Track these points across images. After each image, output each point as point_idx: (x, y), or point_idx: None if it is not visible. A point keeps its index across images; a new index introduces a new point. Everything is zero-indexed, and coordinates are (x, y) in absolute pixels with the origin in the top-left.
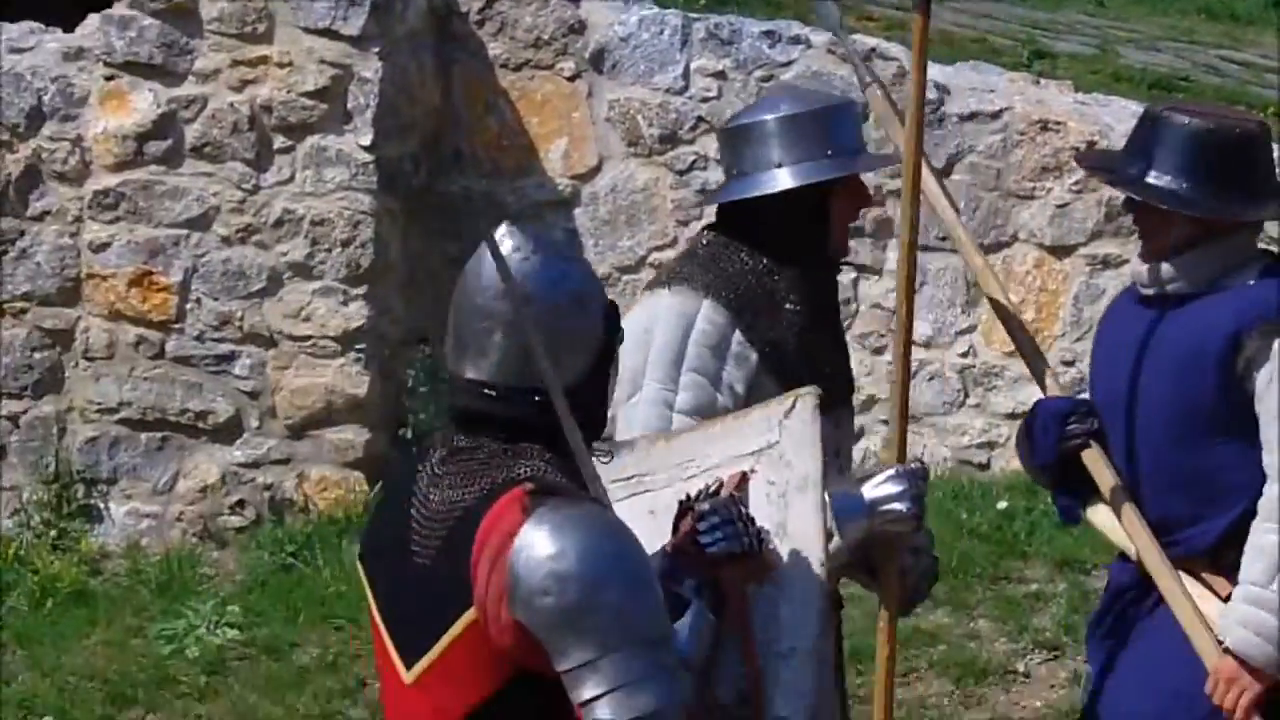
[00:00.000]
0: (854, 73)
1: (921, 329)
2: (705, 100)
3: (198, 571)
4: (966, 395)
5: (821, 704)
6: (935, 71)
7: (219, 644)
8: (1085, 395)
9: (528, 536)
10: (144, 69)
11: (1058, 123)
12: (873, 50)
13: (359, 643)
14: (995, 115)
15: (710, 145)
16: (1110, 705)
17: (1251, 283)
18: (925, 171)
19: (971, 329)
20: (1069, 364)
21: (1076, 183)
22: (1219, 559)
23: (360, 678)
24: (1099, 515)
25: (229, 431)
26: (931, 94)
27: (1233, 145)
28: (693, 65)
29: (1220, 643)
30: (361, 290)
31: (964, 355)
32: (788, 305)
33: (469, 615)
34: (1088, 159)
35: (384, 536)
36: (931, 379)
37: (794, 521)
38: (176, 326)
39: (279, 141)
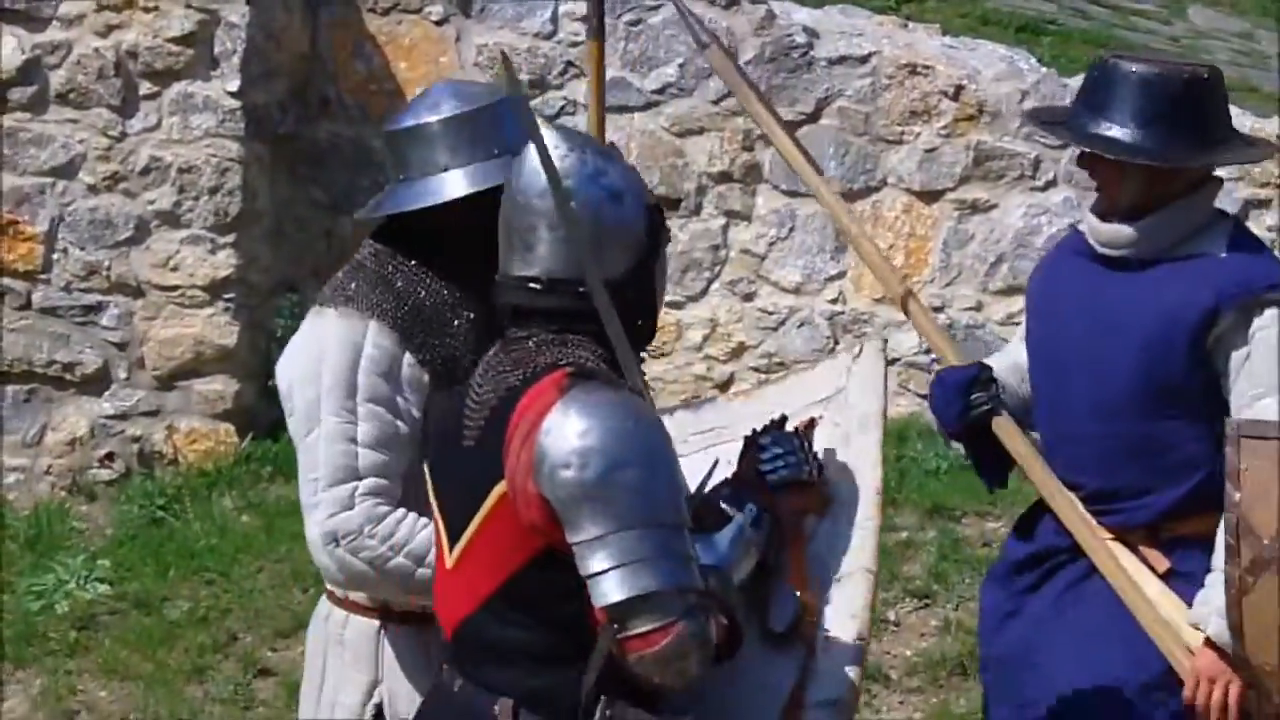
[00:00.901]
0: (723, 19)
1: (791, 276)
2: (574, 45)
3: (67, 526)
4: (836, 342)
5: (867, 621)
6: (804, 15)
7: (89, 599)
8: (990, 360)
9: (559, 414)
10: (7, 14)
11: (926, 66)
12: None
13: (230, 597)
14: (863, 59)
15: (580, 90)
16: (1041, 671)
17: (1224, 254)
18: (788, 141)
19: (841, 275)
20: (939, 309)
21: (945, 127)
22: (1158, 533)
23: (231, 632)
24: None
25: (97, 383)
26: (800, 38)
27: (1184, 92)
28: (561, 9)
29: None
30: (229, 239)
31: (833, 302)
32: (461, 319)
33: (499, 489)
34: (1038, 115)
35: (440, 433)
36: (801, 326)
37: (854, 457)
38: (43, 277)
39: (145, 88)
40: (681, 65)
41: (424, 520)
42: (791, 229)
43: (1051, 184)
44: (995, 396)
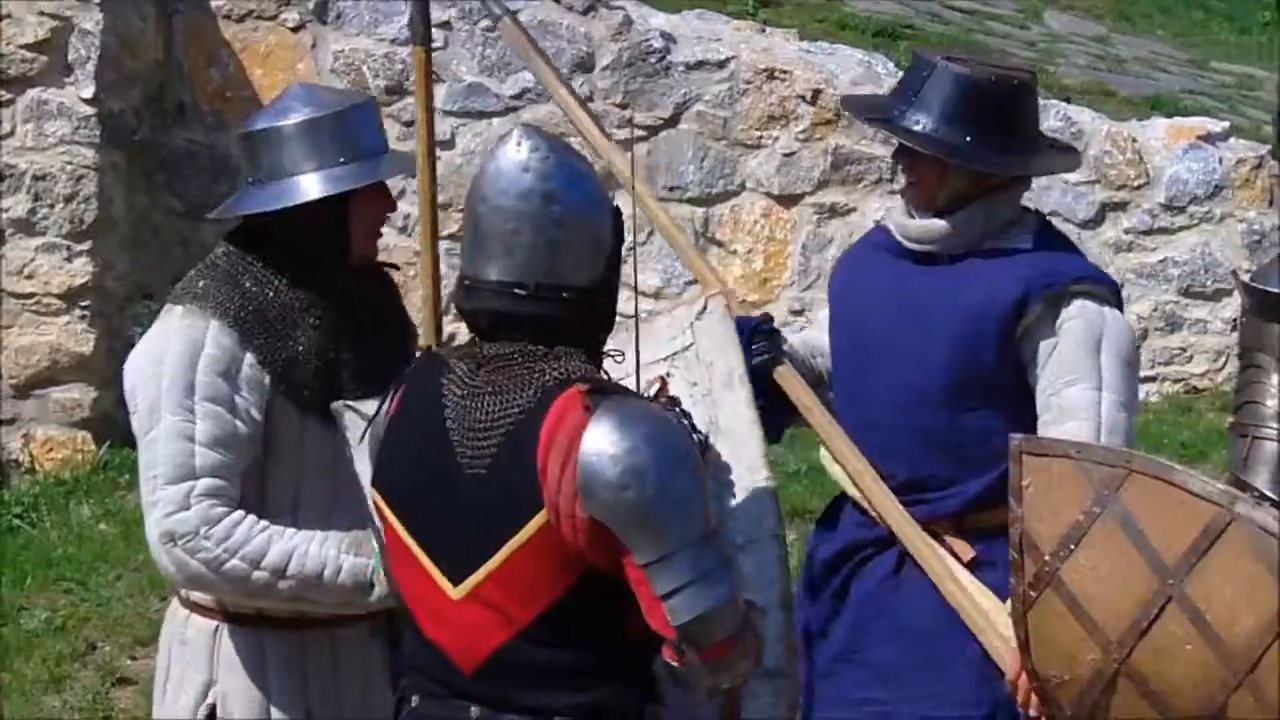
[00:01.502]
0: (580, 25)
1: (650, 279)
2: (432, 51)
3: None
4: None
5: (787, 587)
6: (661, 20)
7: None
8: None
9: (596, 433)
10: None
11: (784, 71)
12: None
13: (88, 605)
14: (721, 64)
15: (438, 96)
16: (871, 669)
17: (1031, 249)
18: (589, 123)
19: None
20: (797, 313)
21: (803, 131)
22: (964, 523)
23: (90, 641)
24: (837, 468)
25: None
26: (657, 43)
27: (1008, 97)
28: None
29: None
30: (85, 246)
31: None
32: (309, 318)
33: (539, 519)
34: (858, 107)
35: (408, 457)
36: None
37: (726, 418)
38: None
39: None
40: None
41: (262, 524)
42: (651, 232)
43: None
44: (777, 346)
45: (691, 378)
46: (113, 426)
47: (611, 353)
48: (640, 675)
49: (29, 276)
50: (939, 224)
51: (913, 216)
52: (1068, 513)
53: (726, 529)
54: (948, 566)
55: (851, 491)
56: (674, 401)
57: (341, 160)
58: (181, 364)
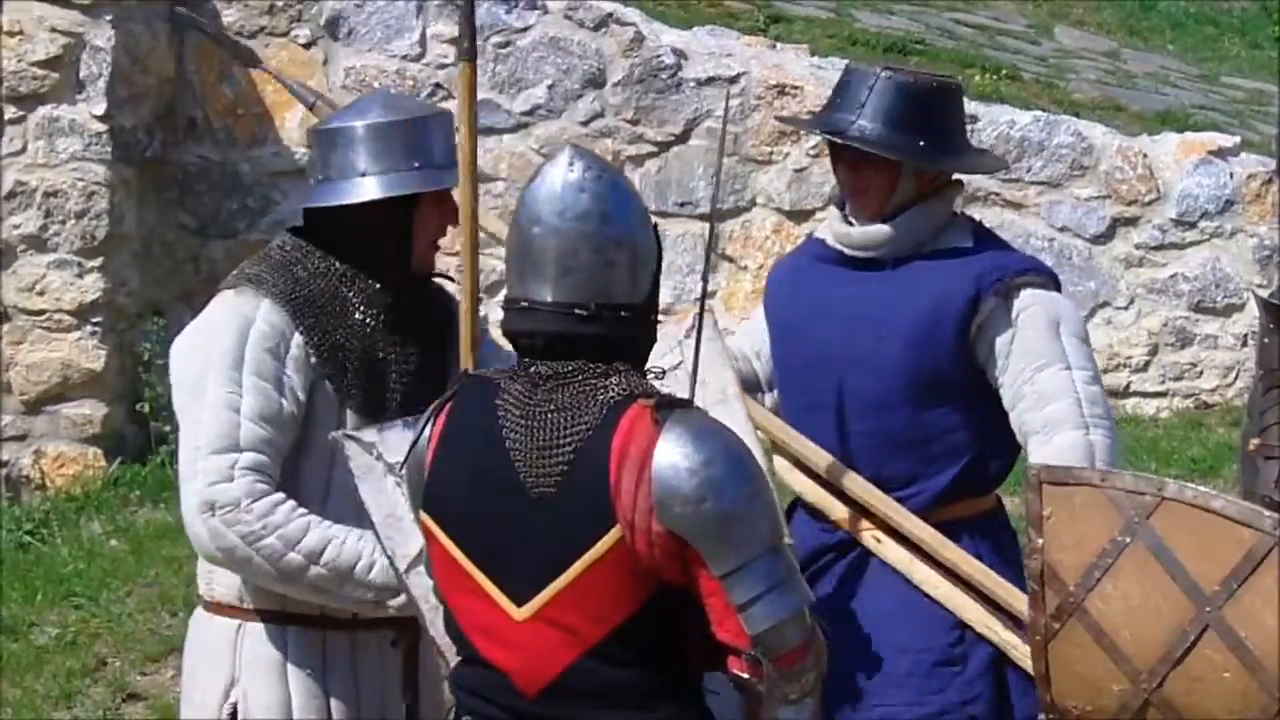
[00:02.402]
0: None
1: (661, 295)
2: (442, 67)
3: None
4: None
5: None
6: (673, 36)
7: None
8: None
9: (668, 447)
10: None
11: (795, 87)
12: (610, 15)
13: (99, 621)
14: (733, 80)
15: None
16: (834, 669)
17: (971, 246)
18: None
19: (711, 295)
20: None
21: (814, 147)
22: (928, 517)
23: (100, 656)
24: (794, 476)
25: None
26: (669, 59)
27: (947, 102)
28: (429, 31)
29: None
30: (97, 262)
31: None
32: (359, 314)
33: (612, 535)
34: (803, 122)
35: (466, 481)
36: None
37: None
38: None
39: (10, 112)
40: (550, 87)
41: (301, 508)
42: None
43: None
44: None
45: (683, 395)
46: (123, 443)
47: (653, 369)
48: (697, 696)
49: (40, 293)
50: (884, 229)
51: (851, 224)
52: (1093, 542)
53: None
54: (957, 551)
55: (811, 498)
56: None
57: (414, 166)
58: (231, 338)
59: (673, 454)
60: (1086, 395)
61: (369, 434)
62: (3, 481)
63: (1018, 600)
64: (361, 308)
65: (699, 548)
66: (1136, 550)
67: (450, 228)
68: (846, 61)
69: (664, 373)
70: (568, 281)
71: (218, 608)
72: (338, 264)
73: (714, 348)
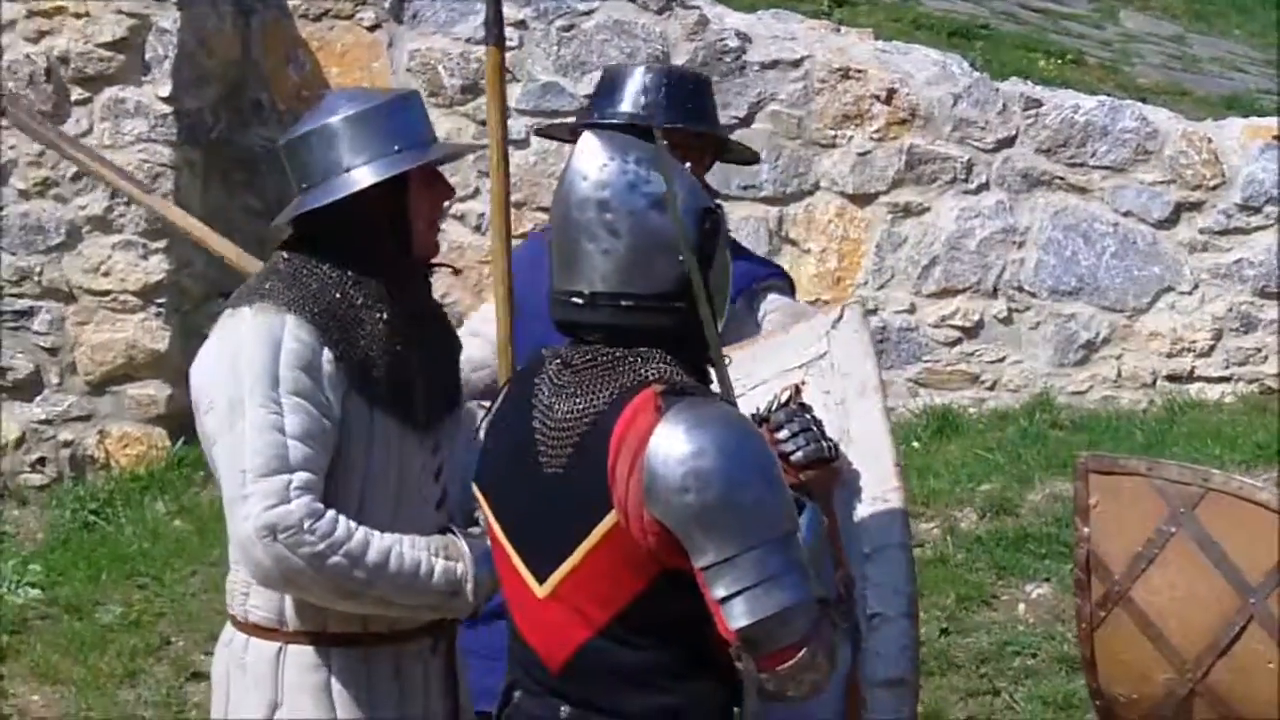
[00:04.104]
0: (655, 24)
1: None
2: (509, 50)
3: None
4: None
5: (914, 596)
6: (736, 20)
7: (20, 603)
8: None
9: (663, 435)
10: None
11: (858, 70)
12: None
13: (162, 601)
14: (796, 63)
15: (513, 96)
16: None
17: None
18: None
19: None
20: (871, 312)
21: (878, 131)
22: None
23: (164, 636)
24: None
25: (29, 388)
26: (733, 42)
27: (706, 88)
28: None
29: None
30: (161, 244)
31: None
32: (373, 316)
33: (609, 520)
34: (564, 128)
35: (503, 454)
36: None
37: (857, 427)
38: None
39: (77, 93)
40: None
41: (355, 523)
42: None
43: (984, 187)
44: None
45: (825, 386)
46: (187, 423)
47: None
48: (726, 676)
49: (105, 274)
50: None
51: None
52: (1139, 531)
53: (852, 538)
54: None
55: None
56: (805, 408)
57: (395, 150)
58: (262, 359)
59: (666, 442)
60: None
61: None
62: (67, 461)
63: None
64: (375, 310)
65: (682, 538)
66: (1182, 540)
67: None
68: (913, 46)
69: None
70: (569, 269)
71: (254, 629)
72: (343, 270)
73: (860, 340)
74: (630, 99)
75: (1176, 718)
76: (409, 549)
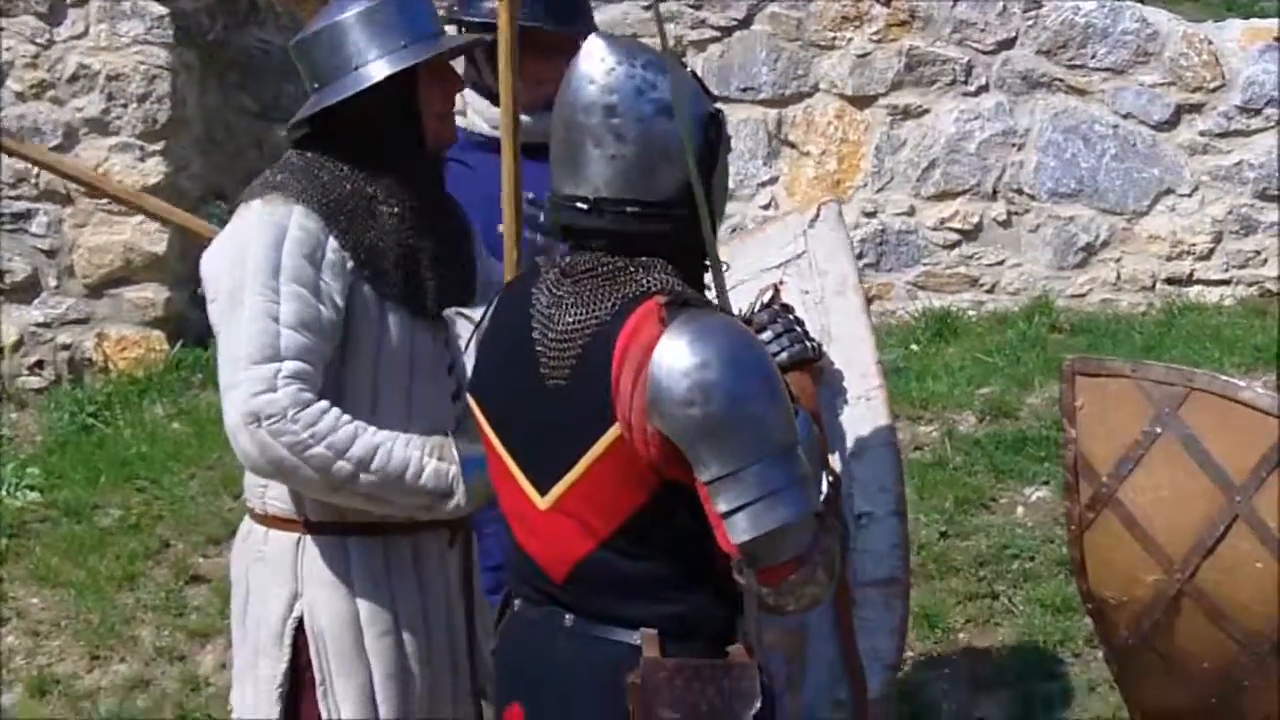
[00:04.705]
0: None
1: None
2: None
3: None
4: None
5: (901, 494)
6: None
7: (19, 506)
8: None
9: (668, 347)
10: None
11: None
12: None
13: (161, 504)
14: None
15: None
16: None
17: None
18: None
19: (773, 180)
20: (870, 214)
21: (876, 33)
22: None
23: (163, 539)
24: None
25: (26, 291)
26: None
27: None
28: None
29: None
30: (159, 146)
31: (765, 207)
32: (385, 210)
33: (612, 432)
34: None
35: (500, 365)
36: (733, 231)
37: (837, 325)
38: None
39: None
40: None
41: (347, 416)
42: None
43: (983, 89)
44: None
45: (804, 285)
46: (186, 326)
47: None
48: (728, 587)
49: (102, 176)
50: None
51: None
52: (1125, 432)
53: (838, 437)
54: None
55: None
56: (787, 309)
57: (402, 45)
58: (266, 247)
59: (670, 354)
60: None
61: (479, 311)
62: (65, 364)
63: None
64: (388, 203)
65: (686, 452)
66: (1167, 441)
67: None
68: None
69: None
70: (577, 175)
71: (273, 521)
72: (355, 165)
73: (837, 238)
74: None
75: (1165, 620)
76: (400, 447)
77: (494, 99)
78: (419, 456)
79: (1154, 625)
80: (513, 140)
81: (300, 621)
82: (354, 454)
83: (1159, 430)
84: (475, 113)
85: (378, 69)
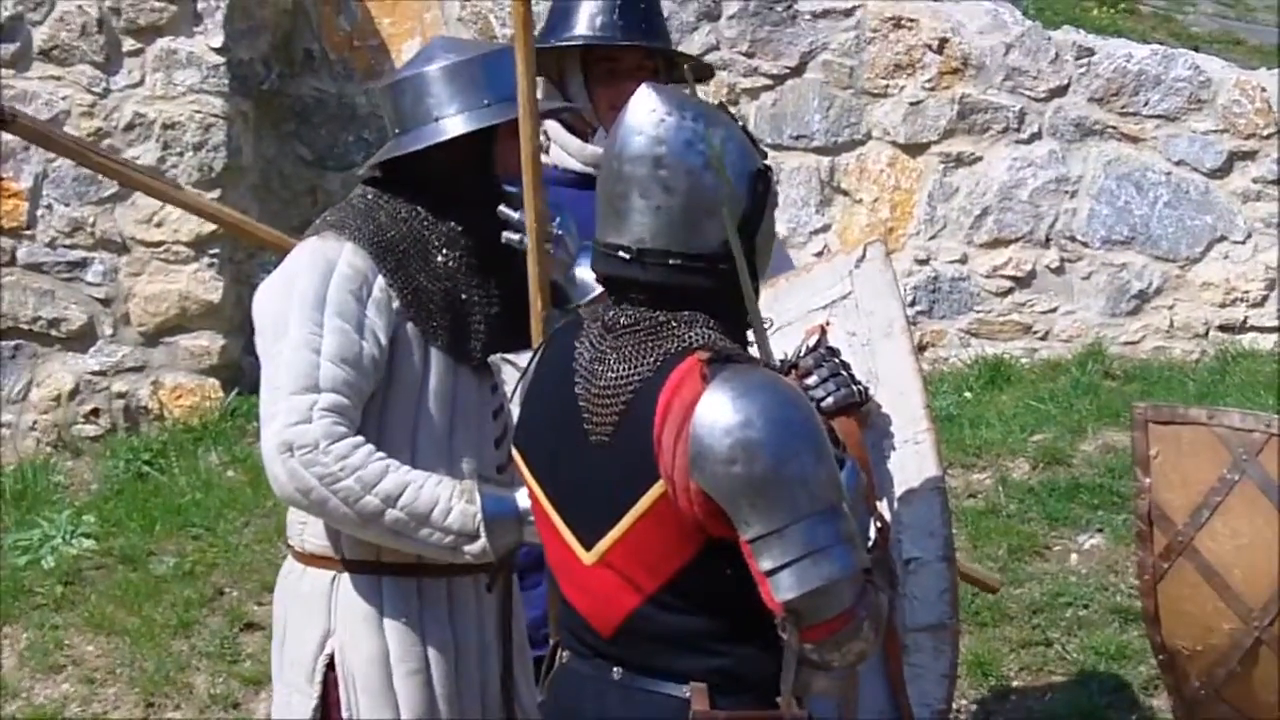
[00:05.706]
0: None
1: (776, 228)
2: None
3: (52, 481)
4: None
5: (949, 539)
6: None
7: (75, 554)
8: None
9: (710, 404)
10: None
11: (910, 20)
12: None
13: (215, 551)
14: (848, 13)
15: None
16: None
17: None
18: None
19: (826, 228)
20: (923, 262)
21: (929, 80)
22: None
23: (218, 586)
24: None
25: (82, 339)
26: None
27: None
28: None
29: None
30: (214, 194)
31: (818, 254)
32: (440, 256)
33: (656, 489)
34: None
35: (544, 420)
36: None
37: (885, 367)
38: (28, 233)
39: (128, 44)
40: (665, 20)
41: (380, 452)
42: (776, 181)
43: (1036, 136)
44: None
45: (850, 326)
46: (240, 374)
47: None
48: (777, 640)
49: (158, 225)
50: None
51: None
52: (1201, 480)
53: (885, 482)
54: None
55: None
56: (833, 352)
57: (485, 103)
58: (314, 281)
59: (712, 411)
60: None
61: (524, 359)
62: (121, 412)
63: None
64: (444, 250)
65: (728, 510)
66: (1246, 487)
67: None
68: None
69: (773, 320)
70: (618, 224)
71: (310, 559)
72: (419, 209)
73: (883, 279)
74: (585, 22)
75: (1241, 668)
76: (430, 486)
77: (583, 136)
78: (447, 496)
79: (1229, 675)
80: (532, 162)
81: (331, 659)
82: (382, 489)
83: (1237, 477)
84: (559, 147)
85: (455, 124)
